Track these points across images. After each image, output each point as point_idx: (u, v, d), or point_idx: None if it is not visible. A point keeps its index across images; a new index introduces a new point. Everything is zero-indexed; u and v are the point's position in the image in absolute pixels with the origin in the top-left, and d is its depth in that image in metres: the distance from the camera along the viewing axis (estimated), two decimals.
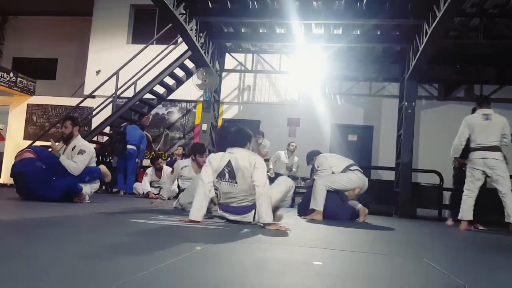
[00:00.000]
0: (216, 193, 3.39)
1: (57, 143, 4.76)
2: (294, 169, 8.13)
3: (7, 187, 4.88)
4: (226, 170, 3.28)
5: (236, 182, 3.26)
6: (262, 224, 3.20)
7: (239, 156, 3.30)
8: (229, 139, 3.53)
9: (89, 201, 4.69)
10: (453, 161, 5.21)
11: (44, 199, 4.27)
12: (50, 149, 4.74)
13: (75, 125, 4.70)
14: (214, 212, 3.83)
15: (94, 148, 6.06)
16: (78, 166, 4.54)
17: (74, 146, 4.61)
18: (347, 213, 4.93)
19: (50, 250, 1.73)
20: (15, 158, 4.52)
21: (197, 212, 3.23)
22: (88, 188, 4.77)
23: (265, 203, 3.15)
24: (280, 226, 3.18)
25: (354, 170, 4.99)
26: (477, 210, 4.88)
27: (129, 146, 7.91)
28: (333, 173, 4.97)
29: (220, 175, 3.31)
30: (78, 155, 4.54)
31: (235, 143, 3.43)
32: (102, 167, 4.99)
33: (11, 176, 4.54)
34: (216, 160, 3.36)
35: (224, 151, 3.47)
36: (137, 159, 8.01)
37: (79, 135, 4.79)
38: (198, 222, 3.18)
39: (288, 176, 4.70)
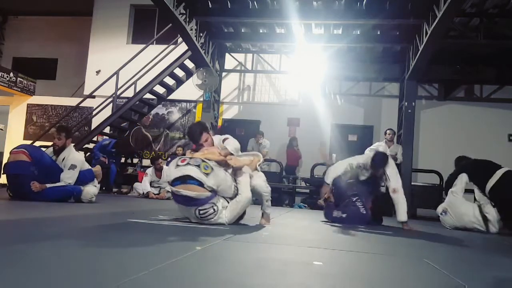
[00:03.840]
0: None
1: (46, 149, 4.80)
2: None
3: (7, 186, 4.86)
4: None
5: None
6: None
7: None
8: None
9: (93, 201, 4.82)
10: None
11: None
12: (44, 149, 4.78)
13: (69, 137, 4.75)
14: None
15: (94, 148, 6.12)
16: (70, 183, 4.58)
17: (64, 158, 4.64)
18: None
19: (50, 250, 1.73)
20: (10, 153, 4.54)
21: None
22: (95, 189, 4.89)
23: None
24: None
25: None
26: None
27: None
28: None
29: None
30: (69, 170, 4.57)
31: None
32: (96, 168, 5.06)
33: (4, 173, 4.57)
34: None
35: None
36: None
37: (71, 145, 4.83)
38: None
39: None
